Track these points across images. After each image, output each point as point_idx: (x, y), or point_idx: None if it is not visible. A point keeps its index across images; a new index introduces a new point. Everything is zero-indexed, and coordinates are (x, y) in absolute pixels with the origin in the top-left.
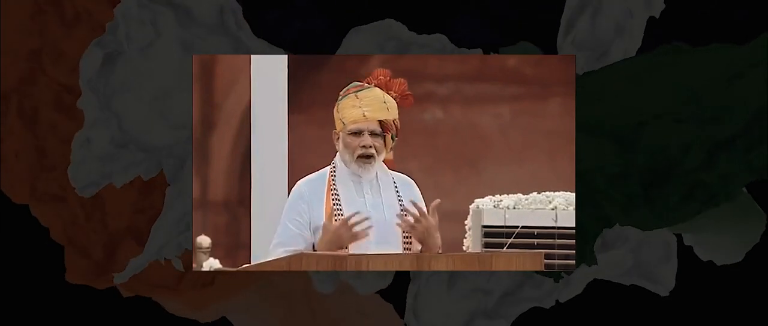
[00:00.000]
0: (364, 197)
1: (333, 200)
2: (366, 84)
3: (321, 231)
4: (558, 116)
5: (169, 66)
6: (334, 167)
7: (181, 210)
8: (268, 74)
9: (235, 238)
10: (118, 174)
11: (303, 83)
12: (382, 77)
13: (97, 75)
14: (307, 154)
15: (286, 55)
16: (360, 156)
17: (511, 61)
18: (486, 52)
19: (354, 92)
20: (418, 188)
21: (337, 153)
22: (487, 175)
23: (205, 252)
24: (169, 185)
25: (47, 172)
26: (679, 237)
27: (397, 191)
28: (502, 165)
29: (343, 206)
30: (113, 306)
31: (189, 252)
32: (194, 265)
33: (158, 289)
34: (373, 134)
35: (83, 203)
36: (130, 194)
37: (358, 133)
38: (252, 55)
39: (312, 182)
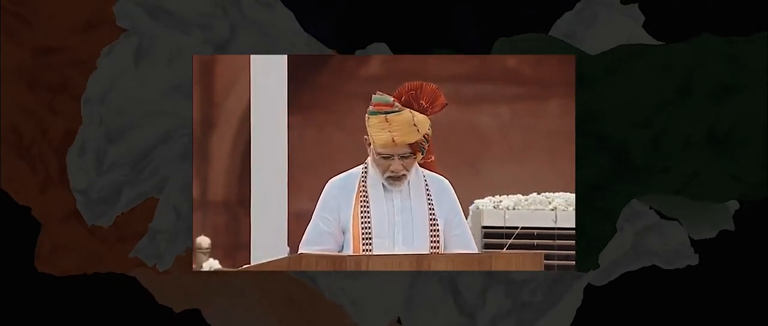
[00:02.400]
0: (393, 201)
1: (361, 202)
2: (396, 105)
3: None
4: (558, 116)
5: (169, 66)
6: (365, 168)
7: (180, 210)
8: (268, 74)
9: (235, 238)
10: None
11: (303, 83)
12: (412, 92)
13: (100, 79)
14: (307, 154)
15: (286, 56)
16: (389, 177)
17: (511, 61)
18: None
19: (384, 112)
20: (451, 188)
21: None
22: (487, 175)
23: (204, 253)
24: (168, 186)
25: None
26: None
27: (428, 194)
28: (502, 166)
29: (371, 209)
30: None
31: (188, 253)
32: (194, 266)
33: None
34: (402, 157)
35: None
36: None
37: (387, 157)
38: (252, 56)
39: (342, 182)
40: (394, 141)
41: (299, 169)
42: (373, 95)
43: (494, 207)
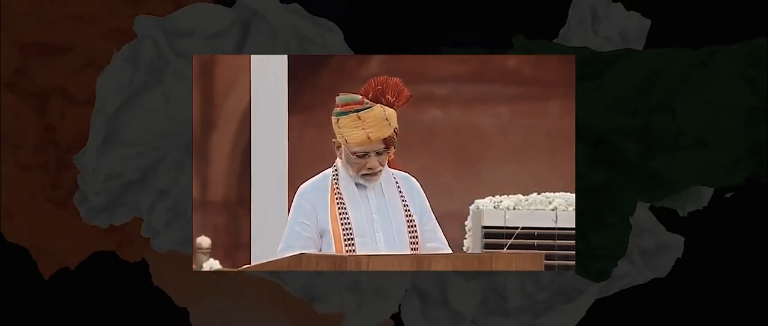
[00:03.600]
0: (368, 200)
1: (338, 203)
2: (366, 101)
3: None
4: (558, 117)
5: (169, 66)
6: (335, 170)
7: (180, 210)
8: (268, 74)
9: (235, 238)
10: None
11: (303, 83)
12: (379, 87)
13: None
14: (307, 154)
15: (286, 56)
16: (365, 175)
17: (511, 61)
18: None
19: (354, 110)
20: (418, 185)
21: (339, 158)
22: (487, 175)
23: (205, 253)
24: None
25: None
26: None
27: (400, 190)
28: (502, 166)
29: (349, 210)
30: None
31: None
32: (194, 266)
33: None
34: (377, 153)
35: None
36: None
37: (363, 155)
38: (252, 55)
39: (315, 186)
40: (369, 138)
41: (299, 169)
42: (338, 97)
43: (494, 207)
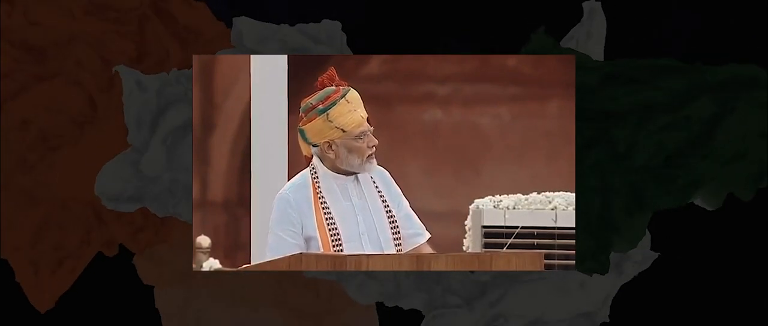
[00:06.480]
0: (351, 201)
1: (323, 209)
2: (341, 88)
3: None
4: (558, 117)
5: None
6: (315, 172)
7: (180, 210)
8: (268, 74)
9: (234, 238)
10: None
11: (303, 83)
12: (328, 75)
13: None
14: None
15: (286, 56)
16: (369, 157)
17: (511, 61)
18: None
19: (340, 97)
20: (389, 175)
21: (317, 159)
22: (487, 175)
23: (205, 253)
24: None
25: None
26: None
27: (377, 188)
28: (502, 165)
29: (334, 214)
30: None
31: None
32: (194, 266)
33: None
34: (370, 131)
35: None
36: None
37: (362, 135)
38: (252, 56)
39: (298, 190)
40: (362, 116)
41: (299, 169)
42: (308, 101)
43: (494, 207)
